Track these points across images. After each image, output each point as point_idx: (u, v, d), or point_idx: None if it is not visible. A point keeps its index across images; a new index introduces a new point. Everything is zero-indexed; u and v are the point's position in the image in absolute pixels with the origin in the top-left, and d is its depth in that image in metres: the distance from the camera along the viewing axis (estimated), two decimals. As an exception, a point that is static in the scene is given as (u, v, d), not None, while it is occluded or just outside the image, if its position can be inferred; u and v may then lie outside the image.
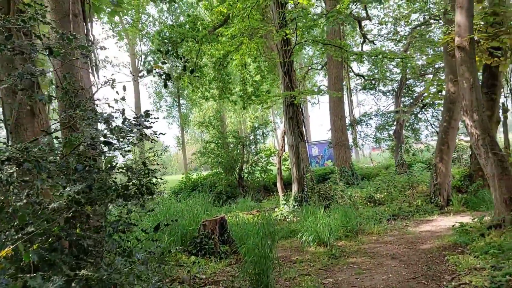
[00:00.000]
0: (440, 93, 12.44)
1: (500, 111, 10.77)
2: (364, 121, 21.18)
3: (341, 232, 8.24)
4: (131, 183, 3.81)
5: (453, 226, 7.28)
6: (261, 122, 20.40)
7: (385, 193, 12.19)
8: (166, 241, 7.20)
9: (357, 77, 23.76)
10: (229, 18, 21.96)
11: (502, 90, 10.69)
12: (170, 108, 39.48)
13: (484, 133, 6.63)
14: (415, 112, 20.60)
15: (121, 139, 3.46)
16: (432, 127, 21.07)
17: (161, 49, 21.12)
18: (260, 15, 11.32)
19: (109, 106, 3.76)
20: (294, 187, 11.31)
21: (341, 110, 18.60)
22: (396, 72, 22.61)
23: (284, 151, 12.26)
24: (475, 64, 6.74)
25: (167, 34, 21.00)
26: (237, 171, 17.61)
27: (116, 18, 33.48)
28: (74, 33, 3.25)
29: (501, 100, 10.71)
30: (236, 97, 25.18)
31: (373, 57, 10.82)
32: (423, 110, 20.81)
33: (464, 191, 10.58)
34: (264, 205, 14.23)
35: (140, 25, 31.41)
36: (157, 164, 12.81)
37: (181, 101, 39.63)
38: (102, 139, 3.41)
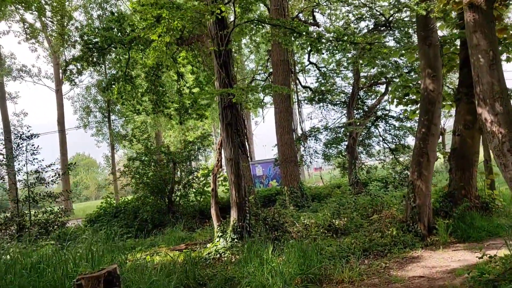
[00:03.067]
0: (405, 97, 10.48)
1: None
2: (313, 136, 19.09)
3: (298, 281, 5.65)
4: None
5: (468, 273, 4.90)
6: (197, 135, 17.67)
7: (346, 219, 9.85)
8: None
9: (304, 90, 21.88)
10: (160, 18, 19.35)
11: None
12: (100, 124, 35.35)
13: (511, 131, 4.40)
14: (368, 126, 18.86)
15: None
16: (385, 143, 19.45)
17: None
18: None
19: None
20: (233, 214, 8.62)
21: (288, 123, 16.36)
22: (344, 85, 21.02)
23: (221, 167, 9.58)
24: (494, 30, 4.56)
25: (92, 38, 17.93)
26: (167, 194, 14.59)
27: (38, 25, 29.51)
28: None
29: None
30: (172, 110, 22.38)
31: (333, 43, 8.55)
32: (375, 123, 19.15)
33: (445, 215, 8.45)
34: (197, 237, 11.38)
35: (65, 30, 27.66)
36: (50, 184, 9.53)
37: (113, 117, 35.78)
38: None
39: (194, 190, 15.44)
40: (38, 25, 28.88)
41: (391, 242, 7.37)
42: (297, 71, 21.71)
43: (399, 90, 10.32)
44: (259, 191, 19.00)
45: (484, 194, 8.77)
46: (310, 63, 21.06)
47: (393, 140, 19.51)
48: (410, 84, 10.06)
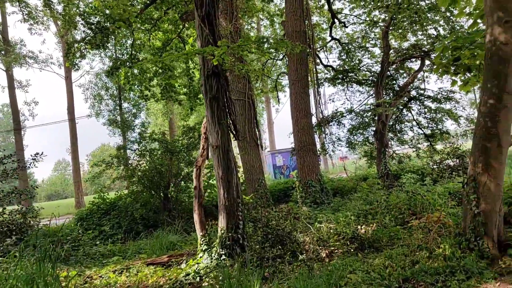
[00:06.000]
0: (454, 63, 7.91)
1: None
2: (335, 121, 16.58)
3: None
4: None
5: None
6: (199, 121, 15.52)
7: (375, 225, 7.47)
8: None
9: (326, 70, 19.36)
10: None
11: None
12: (112, 112, 33.41)
13: None
14: (399, 108, 16.20)
15: None
16: (419, 128, 16.76)
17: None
18: None
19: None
20: (222, 222, 6.38)
21: (305, 106, 13.96)
22: (371, 63, 18.40)
23: (207, 158, 7.31)
24: None
25: (94, 18, 16.10)
26: (162, 189, 12.50)
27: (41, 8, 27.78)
28: None
29: None
30: (181, 95, 20.40)
31: None
32: (408, 105, 16.46)
33: (517, 224, 5.97)
34: (187, 245, 9.26)
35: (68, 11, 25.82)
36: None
37: (125, 105, 33.83)
38: None
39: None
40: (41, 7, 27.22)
41: (446, 267, 4.95)
42: (318, 48, 19.22)
43: (447, 53, 7.76)
44: (274, 182, 16.76)
45: None
46: (332, 38, 18.51)
47: (429, 125, 16.83)
48: (462, 45, 7.47)
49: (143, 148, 12.99)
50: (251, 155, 13.03)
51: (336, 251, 6.74)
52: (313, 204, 11.97)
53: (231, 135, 6.59)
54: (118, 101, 32.25)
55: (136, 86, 18.76)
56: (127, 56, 19.63)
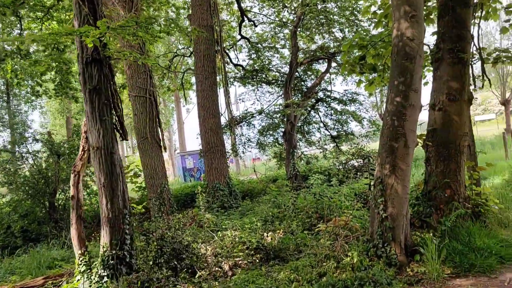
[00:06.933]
0: (360, 61, 7.76)
1: (471, 82, 6.44)
2: (246, 121, 16.12)
3: None
4: None
5: None
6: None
7: (282, 231, 6.97)
8: None
9: (236, 70, 18.89)
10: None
11: (472, 45, 6.34)
12: (-3, 110, 29.29)
13: None
14: (307, 110, 16.24)
15: None
16: (326, 129, 17.01)
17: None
18: None
19: None
20: (105, 237, 5.36)
21: (213, 105, 13.23)
22: (280, 64, 18.36)
23: (89, 161, 6.18)
24: None
25: None
26: (48, 196, 10.87)
27: None
28: None
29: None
30: (79, 92, 18.46)
31: None
32: (316, 107, 16.60)
33: (420, 227, 5.82)
34: (73, 262, 7.98)
35: None
36: None
37: (15, 103, 29.97)
38: None
39: (88, 190, 11.88)
40: None
41: (354, 279, 4.52)
42: (227, 46, 18.65)
43: (353, 51, 7.58)
44: (177, 188, 15.78)
45: (472, 194, 6.27)
46: (242, 37, 18.07)
47: (335, 126, 17.17)
48: (368, 43, 7.32)
49: (26, 150, 11.22)
50: (153, 158, 11.93)
51: (241, 262, 6.10)
52: (220, 209, 11.28)
53: (117, 135, 5.60)
54: (6, 98, 28.50)
55: (27, 81, 16.75)
56: (15, 47, 17.34)
